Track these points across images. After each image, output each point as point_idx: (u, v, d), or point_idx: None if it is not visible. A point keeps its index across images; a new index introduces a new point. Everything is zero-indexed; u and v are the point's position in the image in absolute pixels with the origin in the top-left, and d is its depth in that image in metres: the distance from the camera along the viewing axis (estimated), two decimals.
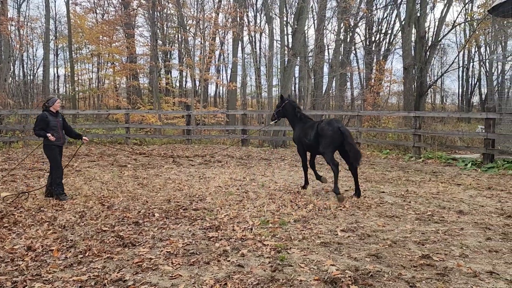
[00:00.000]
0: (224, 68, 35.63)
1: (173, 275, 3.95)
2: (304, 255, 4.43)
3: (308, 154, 7.88)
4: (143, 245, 4.80)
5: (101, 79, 33.08)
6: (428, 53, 21.21)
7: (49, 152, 6.99)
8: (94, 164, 10.86)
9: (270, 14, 24.78)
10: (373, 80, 25.08)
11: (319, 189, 7.95)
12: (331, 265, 4.12)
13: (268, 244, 4.75)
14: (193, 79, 25.74)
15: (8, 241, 4.87)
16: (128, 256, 4.44)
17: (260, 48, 32.94)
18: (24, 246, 4.71)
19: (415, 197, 7.32)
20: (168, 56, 31.29)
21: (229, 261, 4.30)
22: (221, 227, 5.47)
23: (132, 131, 16.85)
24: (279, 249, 4.61)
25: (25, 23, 24.87)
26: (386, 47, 29.16)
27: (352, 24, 26.29)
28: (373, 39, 28.97)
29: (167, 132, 19.45)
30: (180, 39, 30.28)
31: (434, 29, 25.08)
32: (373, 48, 27.29)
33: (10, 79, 20.46)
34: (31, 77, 30.19)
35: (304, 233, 5.17)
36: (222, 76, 35.71)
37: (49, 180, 7.08)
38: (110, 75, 30.99)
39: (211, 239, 5.01)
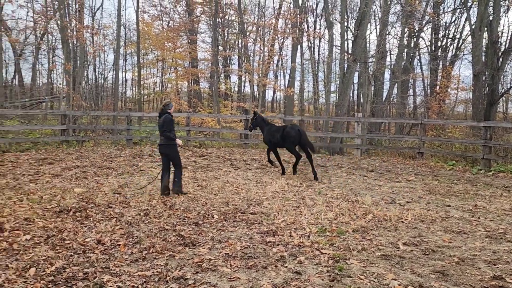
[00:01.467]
0: (282, 73, 35.78)
1: (231, 277, 4.02)
2: (363, 266, 4.32)
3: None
4: (203, 245, 4.93)
5: (164, 83, 34.53)
6: (501, 59, 19.83)
7: (176, 152, 7.60)
8: (156, 164, 11.33)
9: (331, 19, 24.53)
10: (438, 87, 23.91)
11: (378, 199, 7.71)
12: (392, 279, 3.98)
13: (326, 253, 4.69)
14: (251, 84, 26.09)
15: (80, 234, 5.22)
16: (189, 256, 4.59)
17: (318, 54, 32.72)
18: (94, 239, 5.03)
19: (485, 212, 6.86)
20: (228, 62, 32.00)
21: (286, 267, 4.30)
22: (278, 232, 5.48)
23: (192, 133, 17.39)
24: (337, 258, 4.53)
25: (99, 30, 26.66)
26: (453, 53, 27.67)
27: (417, 29, 25.28)
28: (439, 44, 27.64)
29: (225, 136, 19.85)
30: (240, 45, 30.87)
31: (508, 33, 23.43)
32: (439, 54, 26.03)
33: (84, 82, 22.01)
34: (102, 80, 32.24)
35: (363, 244, 5.03)
36: (280, 82, 35.89)
37: (167, 178, 7.54)
38: (173, 79, 32.28)
39: (269, 243, 5.04)
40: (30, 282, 3.82)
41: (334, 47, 25.92)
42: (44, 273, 4.04)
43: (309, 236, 5.31)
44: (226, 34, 30.54)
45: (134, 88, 35.84)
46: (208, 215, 6.29)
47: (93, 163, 11.22)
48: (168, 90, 33.75)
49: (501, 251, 4.90)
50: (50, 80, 30.09)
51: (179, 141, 7.69)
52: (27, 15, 37.77)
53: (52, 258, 4.39)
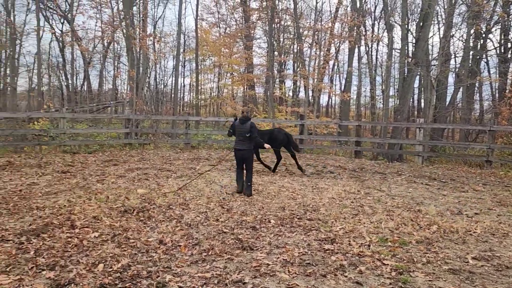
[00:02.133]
0: (338, 78, 35.23)
1: (290, 284, 3.98)
2: (429, 280, 4.10)
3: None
4: (261, 250, 4.94)
5: (220, 88, 35.31)
6: None
7: (253, 157, 8.21)
8: (213, 168, 11.56)
9: (390, 21, 23.80)
10: (508, 91, 22.30)
11: (443, 209, 7.30)
12: None
13: (388, 264, 4.51)
14: (306, 89, 25.94)
15: (143, 234, 5.44)
16: (247, 259, 4.62)
17: (376, 58, 31.82)
18: (156, 239, 5.21)
19: None
20: (283, 67, 32.07)
21: (346, 276, 4.19)
22: (336, 240, 5.36)
23: None
24: (401, 270, 4.34)
25: (160, 38, 27.88)
26: None
27: (485, 30, 23.80)
28: (509, 45, 25.79)
29: None
30: (295, 50, 30.83)
31: None
32: (510, 56, 24.29)
33: (146, 88, 23.07)
34: (162, 86, 33.62)
35: (428, 257, 4.78)
36: (335, 86, 35.33)
37: (248, 180, 8.09)
38: (228, 84, 32.94)
39: (327, 251, 4.94)
40: (99, 278, 4.02)
41: (393, 50, 25.10)
42: (111, 269, 4.24)
43: (369, 246, 5.14)
44: (281, 39, 30.66)
45: (191, 93, 36.98)
46: (265, 219, 6.30)
47: (154, 165, 11.67)
48: (224, 95, 34.46)
49: None
50: (115, 86, 31.86)
51: (267, 145, 8.68)
52: (95, 25, 40.42)
53: (118, 256, 4.60)
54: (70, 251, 4.69)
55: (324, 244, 5.19)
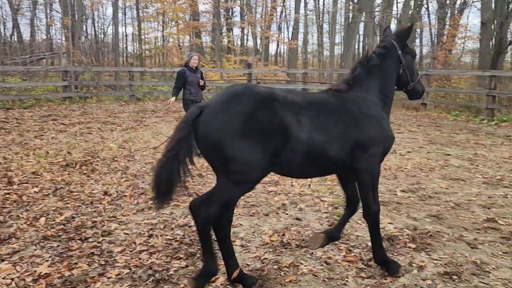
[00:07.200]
0: (286, 26, 34.90)
1: None
2: (360, 212, 4.46)
3: None
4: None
5: (165, 38, 33.86)
6: (511, 5, 19.13)
7: (186, 107, 7.31)
8: (160, 119, 11.40)
9: None
10: (445, 37, 23.29)
11: None
12: (388, 223, 4.14)
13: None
14: (254, 37, 25.59)
15: (87, 186, 5.38)
16: None
17: (323, 4, 31.70)
18: (101, 191, 5.19)
19: (484, 161, 6.95)
20: (230, 14, 31.14)
21: None
22: None
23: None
24: (337, 205, 4.66)
25: None
26: (462, 0, 26.70)
27: None
28: None
29: None
30: None
31: None
32: (448, 1, 25.13)
33: (83, 37, 21.65)
34: (102, 35, 31.69)
35: None
36: (283, 34, 35.06)
37: None
38: (174, 33, 31.59)
39: None
40: (41, 231, 3.99)
41: None
42: (54, 222, 4.21)
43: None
44: None
45: (135, 43, 35.25)
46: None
47: (97, 119, 11.29)
48: (169, 44, 33.13)
49: (496, 196, 5.03)
50: (49, 35, 29.64)
51: (171, 99, 7.71)
52: None
53: (61, 209, 4.56)
54: (8, 207, 4.58)
55: None
